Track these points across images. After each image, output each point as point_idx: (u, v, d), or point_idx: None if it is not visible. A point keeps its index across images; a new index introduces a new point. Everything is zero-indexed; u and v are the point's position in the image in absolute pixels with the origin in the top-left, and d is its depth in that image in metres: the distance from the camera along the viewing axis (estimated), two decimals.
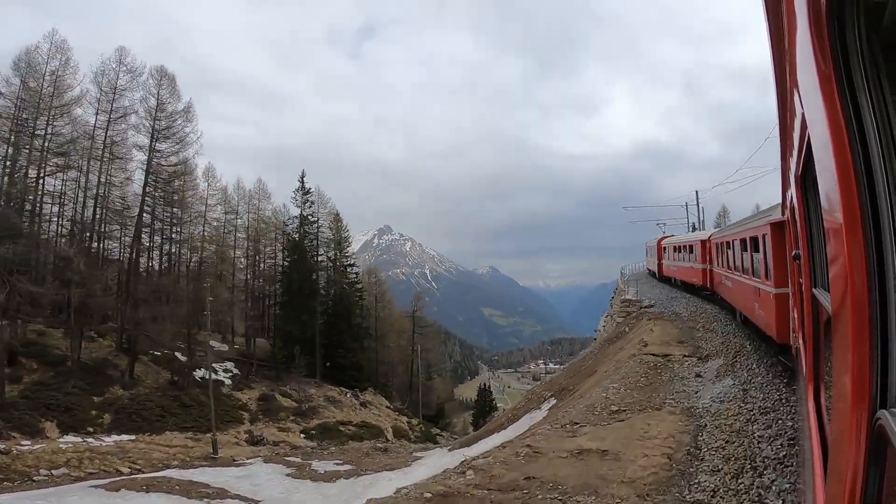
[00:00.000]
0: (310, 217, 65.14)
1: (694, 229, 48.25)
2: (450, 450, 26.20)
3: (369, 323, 72.77)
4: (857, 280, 1.26)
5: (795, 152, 3.15)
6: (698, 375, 16.67)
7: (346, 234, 72.52)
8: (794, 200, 4.48)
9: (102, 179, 46.03)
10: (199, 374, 51.76)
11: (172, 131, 48.19)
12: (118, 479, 24.05)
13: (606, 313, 38.87)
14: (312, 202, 65.41)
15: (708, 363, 17.71)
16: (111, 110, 45.20)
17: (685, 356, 18.59)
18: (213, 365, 56.38)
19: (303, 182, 64.85)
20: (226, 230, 65.21)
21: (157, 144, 47.49)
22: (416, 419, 63.89)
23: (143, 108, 46.99)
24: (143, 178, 46.96)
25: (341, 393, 58.48)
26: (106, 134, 45.20)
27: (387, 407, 63.76)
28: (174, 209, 50.77)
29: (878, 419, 1.14)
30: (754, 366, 15.71)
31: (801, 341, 5.90)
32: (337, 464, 28.17)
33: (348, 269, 70.98)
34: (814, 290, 3.56)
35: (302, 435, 45.52)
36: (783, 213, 9.54)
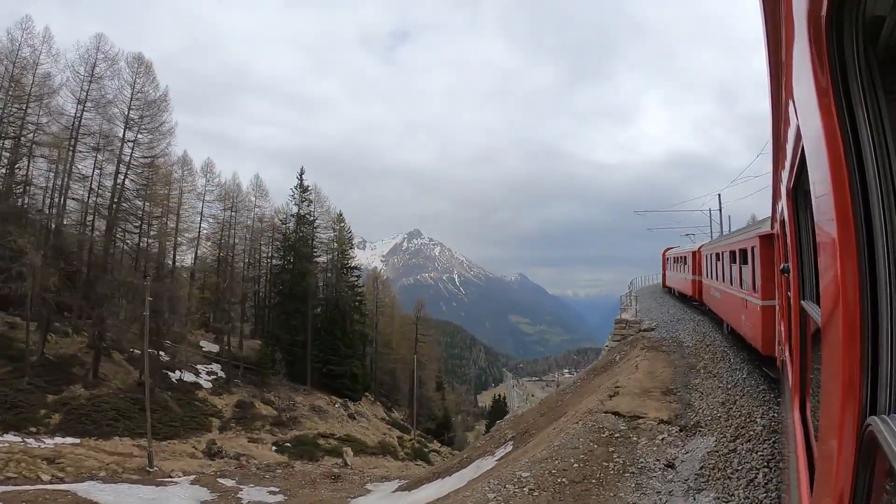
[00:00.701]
0: (307, 216, 61.38)
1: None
2: (394, 491, 22.04)
3: (370, 329, 68.84)
4: (850, 291, 1.28)
5: (788, 164, 3.19)
6: (669, 466, 10.82)
7: (350, 236, 68.88)
8: (785, 213, 4.44)
9: (76, 169, 43.10)
10: (176, 375, 48.74)
11: (148, 121, 45.06)
12: (10, 489, 21.16)
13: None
14: (311, 201, 61.70)
15: (692, 441, 11.63)
16: (85, 99, 42.25)
17: (662, 422, 12.72)
18: (198, 367, 53.72)
19: (301, 179, 61.36)
20: (225, 227, 61.73)
21: (132, 134, 44.43)
22: (412, 433, 59.92)
23: (119, 96, 44.12)
24: (117, 169, 43.75)
25: (330, 403, 54.68)
26: (79, 122, 42.27)
27: (381, 419, 59.89)
28: (146, 203, 47.33)
29: (868, 425, 1.16)
30: (760, 466, 9.80)
31: (787, 353, 5.92)
32: (271, 492, 24.34)
33: (349, 273, 67.05)
34: (802, 302, 3.63)
35: (274, 447, 41.81)
36: (772, 227, 9.55)
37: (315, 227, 61.87)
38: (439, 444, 64.27)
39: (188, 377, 49.62)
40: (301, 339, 56.68)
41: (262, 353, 55.10)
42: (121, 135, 43.81)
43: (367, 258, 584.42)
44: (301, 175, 61.12)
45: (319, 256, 62.72)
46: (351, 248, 69.38)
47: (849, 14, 1.34)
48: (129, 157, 44.12)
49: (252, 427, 44.99)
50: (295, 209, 61.45)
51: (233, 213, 61.22)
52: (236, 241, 61.62)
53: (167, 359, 50.85)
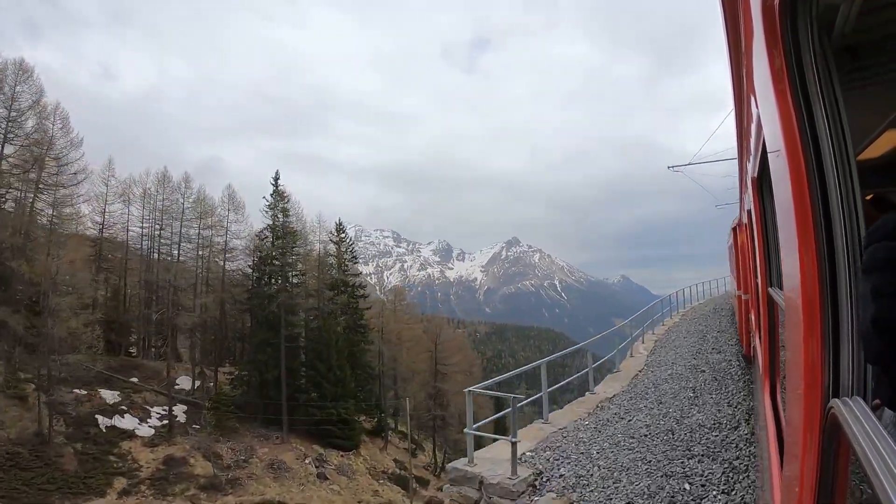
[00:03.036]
0: (280, 228, 49.98)
1: None
2: None
3: (378, 359, 56.60)
4: (810, 277, 1.28)
5: (752, 155, 3.18)
6: None
7: (352, 247, 57.32)
8: (751, 202, 4.39)
9: None
10: (109, 422, 39.51)
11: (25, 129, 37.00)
12: None
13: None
14: (286, 210, 50.55)
15: None
16: None
17: None
18: (154, 409, 44.60)
19: (276, 184, 50.43)
20: (200, 244, 52.39)
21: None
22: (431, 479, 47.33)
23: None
24: None
25: (301, 456, 43.00)
26: None
27: (384, 471, 47.68)
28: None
29: (830, 407, 1.18)
30: None
31: (757, 341, 5.88)
32: None
33: (352, 292, 55.10)
34: (769, 289, 3.59)
35: None
36: (740, 216, 9.89)
37: (292, 242, 50.36)
38: None
39: (127, 422, 40.34)
40: (272, 376, 45.61)
41: (219, 393, 44.85)
42: None
43: (466, 270, 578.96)
44: (276, 180, 50.33)
45: (297, 277, 50.99)
46: (354, 262, 57.72)
47: (802, 2, 1.34)
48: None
49: (170, 491, 34.53)
50: (276, 220, 50.25)
51: (209, 232, 51.93)
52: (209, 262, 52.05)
53: (115, 399, 42.24)
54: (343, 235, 56.13)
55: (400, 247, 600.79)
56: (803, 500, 1.35)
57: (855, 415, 1.04)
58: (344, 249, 55.80)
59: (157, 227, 51.25)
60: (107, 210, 48.91)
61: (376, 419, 53.38)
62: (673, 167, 25.23)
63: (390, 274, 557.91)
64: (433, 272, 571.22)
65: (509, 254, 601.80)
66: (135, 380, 45.30)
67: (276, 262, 47.99)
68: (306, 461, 42.48)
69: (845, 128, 1.28)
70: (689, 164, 24.05)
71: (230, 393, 46.56)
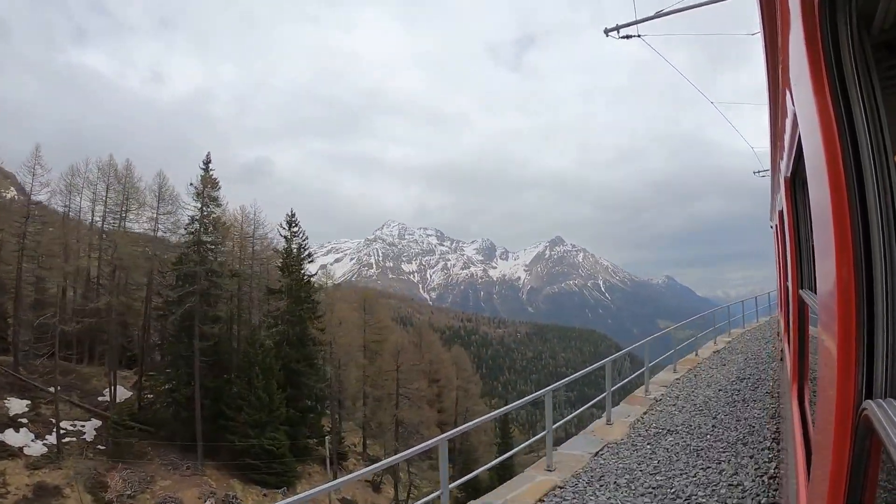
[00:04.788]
0: (206, 220, 43.79)
1: None
2: None
3: (333, 377, 49.49)
4: (845, 277, 1.26)
5: (786, 154, 3.14)
6: None
7: (304, 243, 50.78)
8: (784, 203, 4.28)
9: None
10: None
11: None
12: None
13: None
14: (215, 199, 44.35)
15: None
16: None
17: None
18: (64, 423, 39.54)
19: (207, 168, 44.42)
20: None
21: None
22: None
23: None
24: None
25: (203, 495, 36.90)
26: None
27: None
28: None
29: (863, 409, 1.16)
30: None
31: (786, 344, 5.71)
32: None
33: (300, 296, 47.83)
34: (800, 291, 3.53)
35: None
36: (771, 218, 9.91)
37: (218, 237, 44.26)
38: None
39: (19, 438, 35.37)
40: (183, 395, 39.66)
41: (120, 411, 39.27)
42: None
43: (509, 269, 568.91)
44: (207, 164, 44.35)
45: (231, 276, 44.78)
46: (310, 261, 51.23)
47: None
48: None
49: None
50: (204, 211, 44.13)
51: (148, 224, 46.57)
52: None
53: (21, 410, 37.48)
54: (296, 230, 49.73)
55: (443, 245, 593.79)
56: (832, 502, 1.30)
57: (889, 416, 1.01)
58: (294, 247, 49.37)
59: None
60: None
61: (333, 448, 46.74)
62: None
63: (433, 272, 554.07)
64: (476, 271, 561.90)
65: (553, 253, 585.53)
66: (52, 388, 40.50)
67: (193, 261, 41.95)
68: (208, 502, 36.30)
69: (884, 126, 1.24)
70: (644, 20, 19.21)
71: (134, 410, 41.01)
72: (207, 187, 44.31)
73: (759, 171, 22.29)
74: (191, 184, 44.25)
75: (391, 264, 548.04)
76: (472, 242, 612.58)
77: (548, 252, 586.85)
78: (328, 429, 48.54)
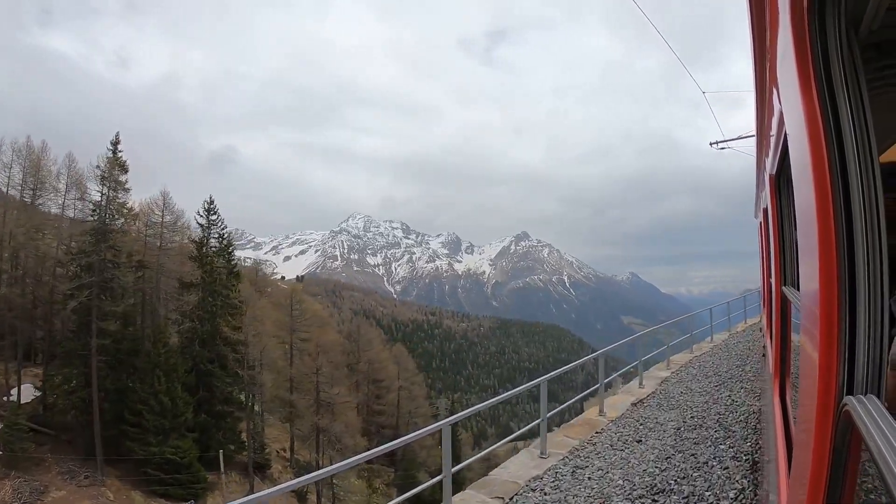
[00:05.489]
0: (111, 206, 38.98)
1: None
2: None
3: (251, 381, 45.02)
4: (828, 275, 1.27)
5: (772, 151, 3.16)
6: None
7: (224, 231, 46.29)
8: (768, 200, 4.28)
9: None
10: None
11: None
12: None
13: None
14: (125, 184, 39.56)
15: None
16: None
17: None
18: None
19: (115, 149, 39.55)
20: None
21: None
22: None
23: None
24: None
25: None
26: None
27: None
28: None
29: (844, 405, 1.18)
30: None
31: (769, 340, 5.81)
32: None
33: (214, 289, 43.49)
34: (784, 288, 3.53)
35: None
36: (755, 215, 9.69)
37: (124, 225, 39.69)
38: None
39: None
40: (79, 398, 35.27)
41: (18, 413, 34.69)
42: None
43: (475, 263, 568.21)
44: (114, 144, 39.74)
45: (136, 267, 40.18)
46: (229, 251, 46.84)
47: None
48: None
49: None
50: (109, 196, 39.37)
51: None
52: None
53: None
54: (215, 218, 45.35)
55: (409, 238, 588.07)
56: (813, 496, 1.32)
57: (869, 412, 1.03)
58: (214, 236, 45.05)
59: None
60: None
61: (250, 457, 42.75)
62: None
63: (398, 266, 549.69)
64: (441, 265, 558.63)
65: (518, 248, 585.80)
66: None
67: (87, 251, 37.39)
68: None
69: (870, 126, 1.25)
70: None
71: (39, 412, 36.59)
72: (115, 170, 39.79)
73: (715, 142, 21.23)
74: (97, 166, 39.63)
75: (356, 257, 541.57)
76: (438, 236, 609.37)
77: (513, 247, 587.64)
78: (255, 432, 44.59)
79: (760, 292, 12.16)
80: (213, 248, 44.70)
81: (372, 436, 52.96)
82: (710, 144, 21.24)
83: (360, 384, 53.46)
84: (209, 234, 45.05)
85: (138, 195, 42.80)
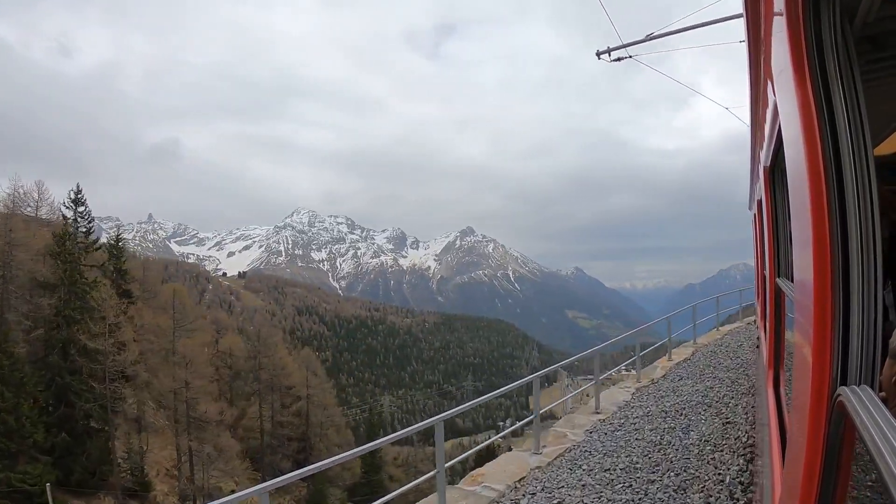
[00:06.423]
0: None
1: None
2: None
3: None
4: (822, 266, 1.28)
5: (766, 143, 3.16)
6: None
7: (91, 226, 40.58)
8: (762, 192, 4.27)
9: None
10: None
11: None
12: None
13: None
14: None
15: None
16: None
17: None
18: None
19: None
20: None
21: None
22: None
23: None
24: None
25: None
26: None
27: None
28: None
29: (838, 395, 1.18)
30: None
31: (762, 332, 5.85)
32: None
33: (76, 289, 37.95)
34: (778, 279, 3.56)
35: None
36: (749, 207, 9.79)
37: None
38: None
39: None
40: None
41: None
42: None
43: (420, 258, 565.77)
44: None
45: None
46: (96, 248, 41.12)
47: None
48: None
49: None
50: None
51: None
52: None
53: None
54: (82, 210, 39.63)
55: (354, 233, 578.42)
56: (806, 486, 1.33)
57: (863, 402, 1.04)
58: (81, 230, 39.33)
59: None
60: None
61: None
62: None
63: (343, 261, 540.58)
64: (386, 260, 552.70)
65: (463, 243, 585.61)
66: None
67: None
68: None
69: (864, 119, 1.26)
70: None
71: None
72: None
73: (601, 52, 17.80)
74: None
75: (301, 252, 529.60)
76: (383, 231, 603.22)
77: (458, 242, 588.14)
78: (125, 454, 39.45)
79: (755, 283, 11.22)
80: (80, 245, 39.00)
81: (276, 449, 48.51)
82: (597, 55, 17.27)
83: (263, 393, 48.73)
84: (77, 227, 39.30)
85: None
